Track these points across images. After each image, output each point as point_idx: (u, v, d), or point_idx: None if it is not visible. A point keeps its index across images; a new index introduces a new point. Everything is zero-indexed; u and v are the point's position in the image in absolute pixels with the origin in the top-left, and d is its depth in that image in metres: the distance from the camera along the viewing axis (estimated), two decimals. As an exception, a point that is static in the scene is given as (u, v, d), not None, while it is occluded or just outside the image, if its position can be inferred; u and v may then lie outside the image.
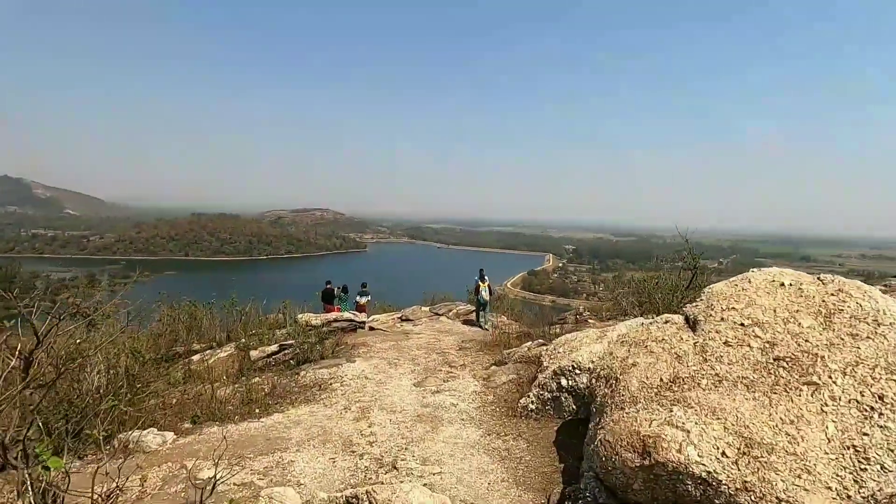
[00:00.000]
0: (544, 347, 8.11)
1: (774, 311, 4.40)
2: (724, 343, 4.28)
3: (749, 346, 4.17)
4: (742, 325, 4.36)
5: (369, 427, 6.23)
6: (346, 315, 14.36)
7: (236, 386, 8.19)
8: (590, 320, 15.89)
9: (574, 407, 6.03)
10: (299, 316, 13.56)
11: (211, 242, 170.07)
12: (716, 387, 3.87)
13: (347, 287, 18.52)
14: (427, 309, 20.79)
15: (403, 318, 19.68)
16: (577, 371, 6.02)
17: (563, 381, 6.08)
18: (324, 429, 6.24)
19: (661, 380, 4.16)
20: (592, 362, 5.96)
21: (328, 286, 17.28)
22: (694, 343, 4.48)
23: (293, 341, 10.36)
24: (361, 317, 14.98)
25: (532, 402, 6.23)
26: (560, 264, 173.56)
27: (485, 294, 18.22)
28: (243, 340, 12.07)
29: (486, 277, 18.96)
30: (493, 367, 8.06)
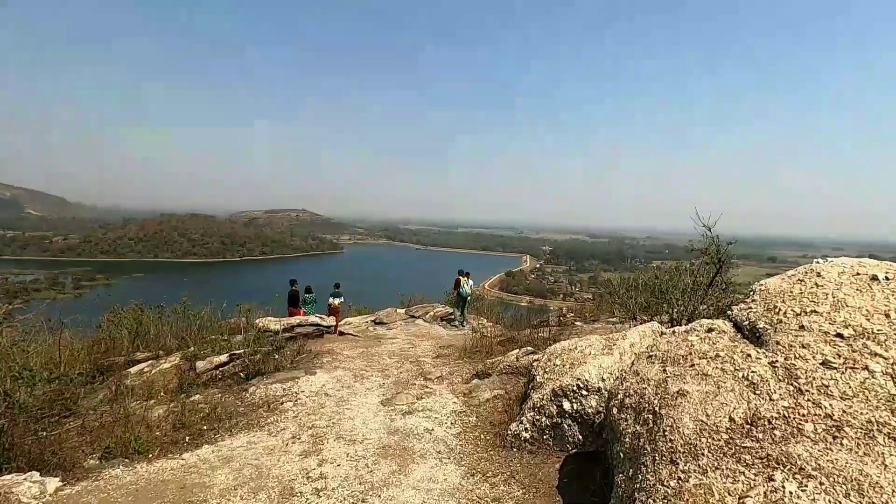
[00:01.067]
0: (534, 357, 6.93)
1: (887, 315, 3.23)
2: (823, 364, 3.00)
3: (868, 368, 2.86)
4: (840, 335, 3.15)
5: (319, 466, 4.87)
6: (312, 319, 13.00)
7: (171, 405, 6.83)
8: (576, 322, 14.77)
9: (580, 437, 4.80)
10: (257, 320, 12.16)
11: (181, 244, 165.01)
12: (835, 438, 2.49)
13: (311, 288, 17.10)
14: (402, 311, 19.56)
15: (377, 321, 18.43)
16: (584, 392, 4.82)
17: (566, 405, 4.84)
18: (259, 469, 4.94)
19: (733, 420, 2.83)
20: (604, 380, 4.79)
21: (293, 287, 15.87)
22: (770, 363, 3.16)
23: (244, 350, 8.99)
24: (329, 321, 13.63)
25: (526, 429, 4.98)
26: (537, 265, 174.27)
27: (467, 287, 17.12)
28: (192, 349, 10.64)
29: (467, 273, 17.83)
30: (475, 381, 6.85)
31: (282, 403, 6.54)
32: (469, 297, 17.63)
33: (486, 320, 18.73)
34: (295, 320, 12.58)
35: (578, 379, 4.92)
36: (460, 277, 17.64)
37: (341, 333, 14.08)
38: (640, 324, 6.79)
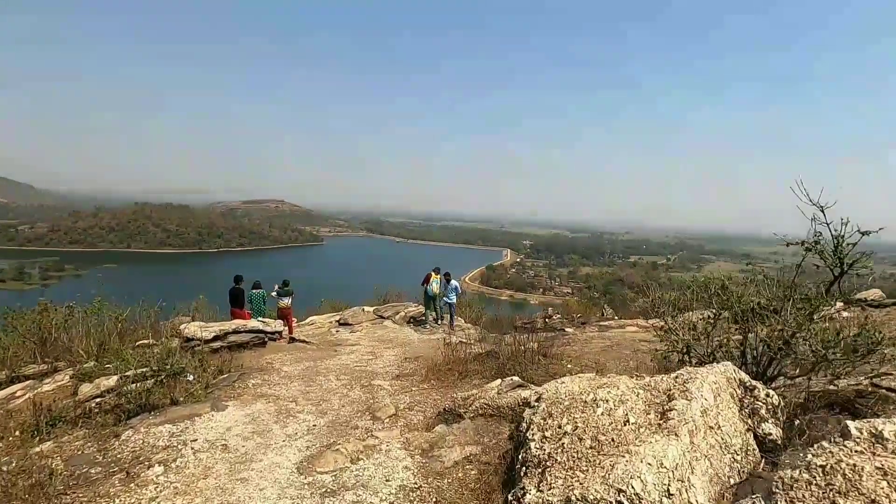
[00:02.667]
0: (523, 394, 4.92)
1: None
2: None
3: None
4: None
5: None
6: (252, 324, 10.83)
7: (5, 460, 4.73)
8: (567, 329, 12.77)
9: None
10: (182, 326, 9.99)
11: (156, 234, 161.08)
12: None
13: (289, 282, 15.01)
14: (371, 310, 17.47)
15: (342, 321, 16.40)
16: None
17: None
18: None
19: None
20: (671, 496, 2.66)
21: (236, 285, 13.65)
22: None
23: (146, 369, 6.86)
24: (274, 325, 11.46)
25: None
26: (518, 259, 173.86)
27: (435, 286, 15.08)
28: (90, 364, 8.48)
29: (441, 270, 15.82)
30: (440, 427, 4.79)
31: (150, 466, 4.41)
32: (435, 297, 15.65)
33: (463, 321, 16.75)
34: (230, 326, 10.42)
35: (620, 490, 2.61)
36: (431, 273, 15.60)
37: (292, 340, 11.95)
38: (697, 363, 4.72)
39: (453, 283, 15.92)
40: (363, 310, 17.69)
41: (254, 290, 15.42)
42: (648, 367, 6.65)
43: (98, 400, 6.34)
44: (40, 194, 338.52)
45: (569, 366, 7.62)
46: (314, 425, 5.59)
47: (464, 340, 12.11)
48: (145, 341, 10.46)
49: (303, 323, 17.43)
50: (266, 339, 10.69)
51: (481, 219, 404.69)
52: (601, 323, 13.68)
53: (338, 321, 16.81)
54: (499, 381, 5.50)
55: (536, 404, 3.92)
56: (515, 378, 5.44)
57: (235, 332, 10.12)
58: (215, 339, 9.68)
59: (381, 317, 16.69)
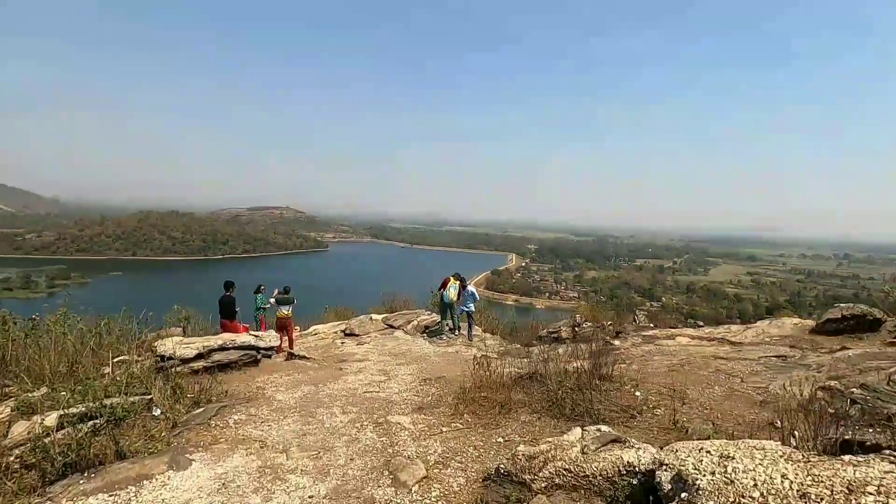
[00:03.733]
0: (621, 456, 3.26)
1: None
2: None
3: None
4: None
5: None
6: (242, 339, 9.17)
7: None
8: (611, 340, 11.05)
9: None
10: (158, 343, 8.35)
11: (161, 241, 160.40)
12: None
13: (290, 288, 13.48)
14: (380, 319, 15.86)
15: (348, 331, 14.82)
16: None
17: None
18: None
19: None
20: None
21: (227, 293, 12.04)
22: None
23: (83, 407, 5.24)
24: (269, 339, 9.80)
25: None
26: (523, 263, 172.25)
27: (452, 293, 13.41)
28: (38, 392, 6.90)
29: (461, 276, 14.22)
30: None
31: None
32: (452, 304, 13.96)
33: (480, 331, 15.07)
34: (217, 341, 8.78)
35: None
36: (449, 278, 13.93)
37: (291, 356, 10.30)
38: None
39: (470, 289, 14.29)
40: (371, 319, 16.10)
41: (258, 295, 13.91)
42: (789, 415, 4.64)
43: (37, 443, 4.72)
44: (46, 203, 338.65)
45: (637, 393, 5.94)
46: (311, 496, 3.93)
47: (487, 354, 10.47)
48: (125, 357, 8.89)
49: (305, 333, 15.84)
50: (259, 357, 9.06)
51: (484, 223, 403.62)
52: (644, 333, 11.95)
53: (343, 331, 15.25)
54: (578, 430, 3.82)
55: (680, 495, 2.27)
56: (604, 428, 3.75)
57: (222, 348, 8.49)
58: (197, 357, 8.08)
59: (391, 326, 15.08)
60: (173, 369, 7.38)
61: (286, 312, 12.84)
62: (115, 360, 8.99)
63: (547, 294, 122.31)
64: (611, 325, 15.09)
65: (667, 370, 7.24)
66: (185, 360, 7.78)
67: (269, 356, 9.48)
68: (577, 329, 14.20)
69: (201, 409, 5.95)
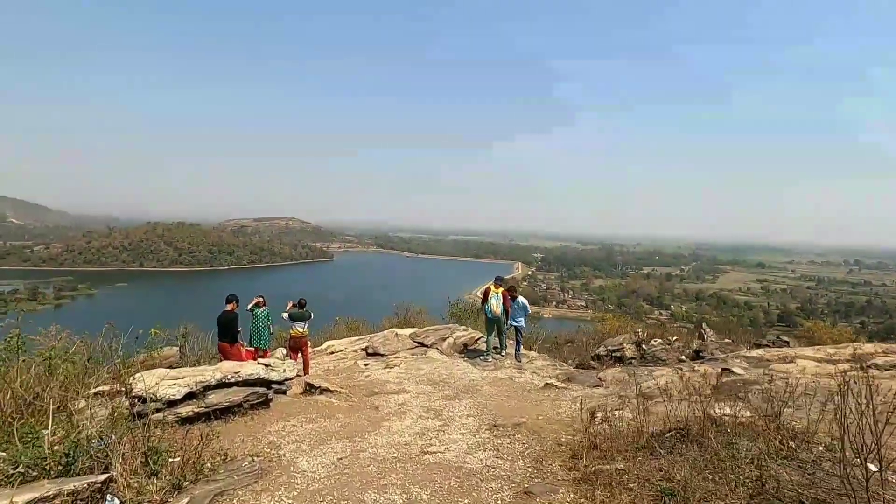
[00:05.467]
0: None
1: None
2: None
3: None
4: None
5: None
6: (249, 370, 7.08)
7: None
8: (695, 367, 8.98)
9: None
10: (135, 379, 6.27)
11: (168, 252, 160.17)
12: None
13: (305, 301, 11.36)
14: (407, 335, 13.78)
15: (370, 350, 12.73)
16: None
17: None
18: None
19: None
20: None
21: (229, 307, 9.92)
22: None
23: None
24: (284, 367, 7.70)
25: None
26: (529, 272, 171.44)
27: (495, 304, 11.25)
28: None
29: (507, 282, 12.05)
30: None
31: None
32: (497, 320, 11.69)
33: (534, 353, 12.95)
34: (214, 373, 6.69)
35: None
36: (490, 286, 11.75)
37: (309, 388, 8.23)
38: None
39: (521, 300, 12.10)
40: (396, 334, 14.06)
41: (258, 309, 11.91)
42: None
43: None
44: (55, 215, 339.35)
45: (871, 467, 3.78)
46: None
47: (553, 382, 8.42)
48: (104, 388, 6.88)
49: (318, 349, 13.73)
50: (271, 395, 6.97)
51: (490, 232, 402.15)
52: (744, 354, 9.79)
53: (365, 349, 13.18)
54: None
55: None
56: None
57: (222, 384, 6.45)
58: (188, 398, 6.03)
59: (422, 344, 13.04)
60: (153, 416, 5.34)
61: (301, 330, 10.79)
62: (93, 391, 6.97)
63: (554, 303, 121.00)
64: (677, 340, 12.96)
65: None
66: (170, 403, 5.77)
67: (284, 391, 7.45)
68: (643, 347, 12.07)
69: (185, 501, 3.90)
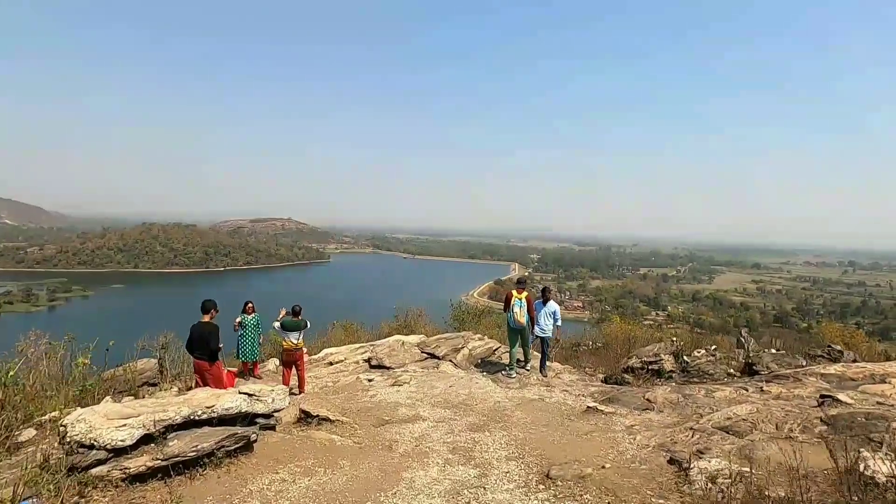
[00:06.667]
0: None
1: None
2: None
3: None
4: None
5: None
6: (226, 405, 5.50)
7: None
8: (763, 387, 7.60)
9: None
10: (70, 420, 4.73)
11: (163, 253, 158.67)
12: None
13: (300, 308, 9.77)
14: (414, 343, 12.30)
15: (374, 361, 11.21)
16: None
17: None
18: None
19: None
20: None
21: (206, 317, 8.13)
22: None
23: None
24: (273, 395, 6.11)
25: None
26: (526, 273, 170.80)
27: (518, 313, 9.68)
28: None
29: (524, 285, 10.37)
30: None
31: None
32: (522, 329, 10.07)
33: (559, 365, 11.44)
34: (179, 410, 5.14)
35: None
36: (512, 292, 10.11)
37: (305, 416, 6.72)
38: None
39: (552, 305, 10.44)
40: (402, 343, 12.58)
41: (245, 315, 10.43)
42: None
43: None
44: (50, 216, 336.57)
45: None
46: None
47: (593, 404, 6.97)
48: (63, 411, 5.62)
49: (315, 358, 12.19)
50: (254, 436, 5.37)
51: (487, 234, 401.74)
52: (822, 371, 8.29)
53: (368, 361, 11.67)
54: None
55: None
56: None
57: (189, 423, 4.92)
58: (143, 442, 4.52)
59: (433, 356, 11.55)
60: (94, 472, 3.85)
61: (296, 342, 9.28)
62: (46, 417, 5.71)
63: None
64: (716, 349, 11.50)
65: None
66: (116, 451, 4.27)
67: (273, 426, 5.89)
68: (684, 359, 10.59)
69: None
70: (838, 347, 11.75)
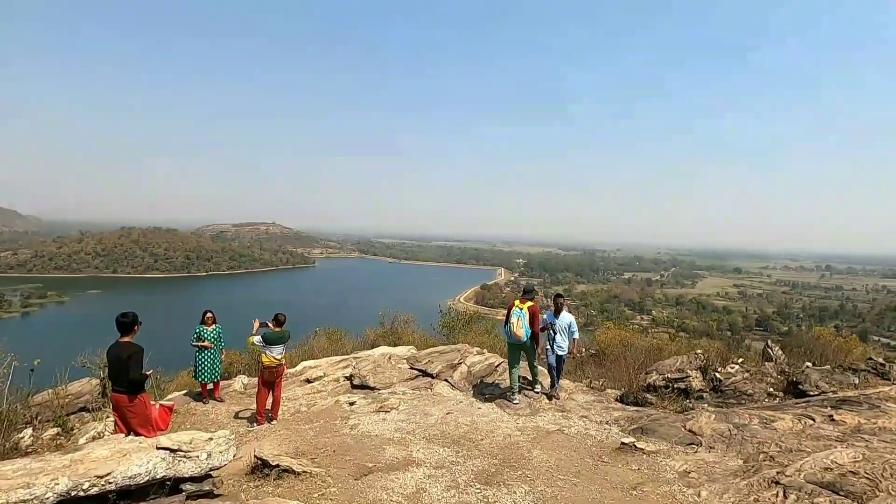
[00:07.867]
0: None
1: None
2: None
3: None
4: None
5: None
6: (131, 469, 3.69)
7: None
8: (834, 415, 6.07)
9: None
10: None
11: (143, 258, 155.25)
12: None
13: (284, 317, 8.15)
14: (403, 357, 10.77)
15: (356, 380, 9.64)
16: None
17: None
18: None
19: None
20: None
21: (126, 338, 6.11)
22: None
23: None
24: (207, 451, 4.29)
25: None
26: (512, 278, 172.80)
27: (515, 324, 8.00)
28: None
29: (531, 294, 8.63)
30: None
31: None
32: (528, 348, 8.37)
33: (568, 382, 9.88)
34: (55, 480, 3.45)
35: None
36: (515, 302, 8.41)
37: (262, 467, 5.12)
38: None
39: (566, 317, 8.79)
40: (389, 358, 11.02)
41: (204, 327, 8.79)
42: None
43: None
44: (25, 221, 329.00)
45: None
46: None
47: (627, 439, 5.51)
48: None
49: (292, 373, 10.62)
50: (209, 488, 3.65)
51: (472, 239, 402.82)
52: (866, 391, 6.88)
53: (350, 379, 10.11)
54: None
55: None
56: None
57: (69, 500, 3.22)
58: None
59: (426, 373, 9.98)
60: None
61: (278, 358, 7.73)
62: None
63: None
64: (744, 361, 10.09)
65: None
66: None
67: (211, 492, 4.10)
68: (716, 375, 9.15)
69: None
70: (881, 360, 10.36)
